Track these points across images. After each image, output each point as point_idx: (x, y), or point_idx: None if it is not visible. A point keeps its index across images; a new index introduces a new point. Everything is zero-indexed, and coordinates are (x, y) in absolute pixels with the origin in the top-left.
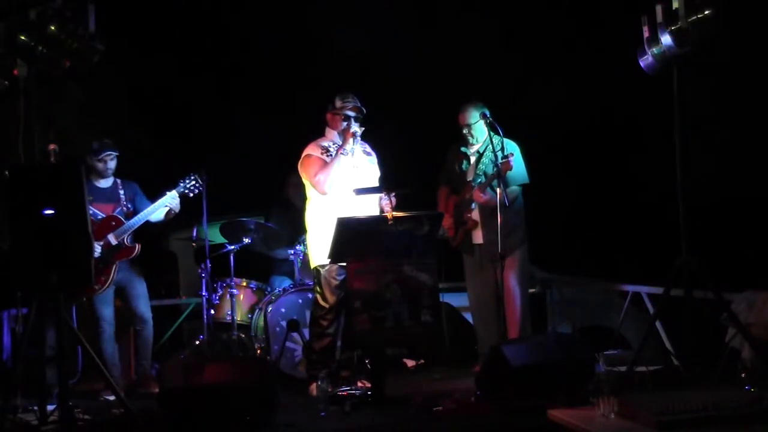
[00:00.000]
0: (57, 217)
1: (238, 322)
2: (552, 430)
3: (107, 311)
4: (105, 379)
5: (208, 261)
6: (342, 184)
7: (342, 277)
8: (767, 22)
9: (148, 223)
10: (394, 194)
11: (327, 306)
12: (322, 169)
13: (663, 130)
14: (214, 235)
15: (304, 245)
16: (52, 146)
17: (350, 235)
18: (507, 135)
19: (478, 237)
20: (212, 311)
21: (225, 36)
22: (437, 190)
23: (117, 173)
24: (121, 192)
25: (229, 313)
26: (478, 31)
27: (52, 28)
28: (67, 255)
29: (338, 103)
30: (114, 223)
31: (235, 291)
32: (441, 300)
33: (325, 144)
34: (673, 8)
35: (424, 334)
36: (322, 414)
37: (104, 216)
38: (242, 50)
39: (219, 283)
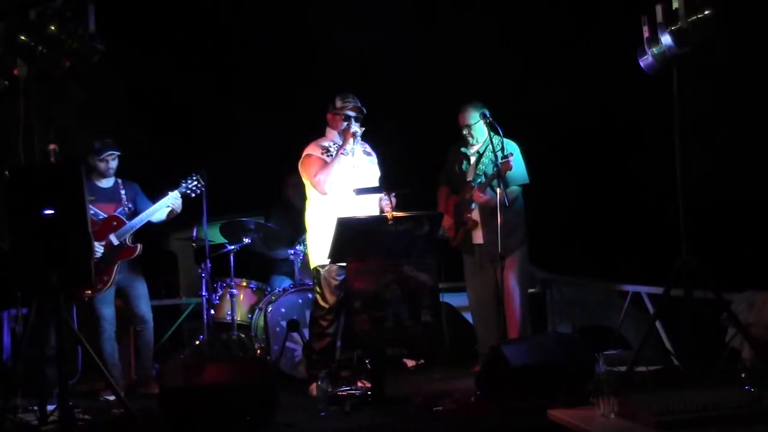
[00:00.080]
0: (57, 217)
1: (238, 322)
2: (552, 430)
3: (108, 311)
4: (105, 379)
5: (208, 261)
6: (342, 184)
7: (342, 277)
8: (767, 22)
9: (149, 223)
10: (394, 194)
11: (327, 306)
12: (322, 169)
13: (663, 130)
14: (214, 235)
15: (304, 245)
16: (52, 146)
17: (350, 235)
18: (507, 135)
19: (478, 237)
20: (212, 311)
21: (225, 36)
22: (437, 190)
23: (117, 173)
24: (123, 192)
25: (229, 313)
26: (478, 31)
27: (52, 28)
28: (67, 255)
29: (338, 103)
30: (116, 223)
31: (235, 291)
32: (441, 300)
33: (326, 144)
34: (673, 8)
35: (424, 334)
36: (322, 414)
37: (106, 216)
38: (242, 50)
39: (219, 283)
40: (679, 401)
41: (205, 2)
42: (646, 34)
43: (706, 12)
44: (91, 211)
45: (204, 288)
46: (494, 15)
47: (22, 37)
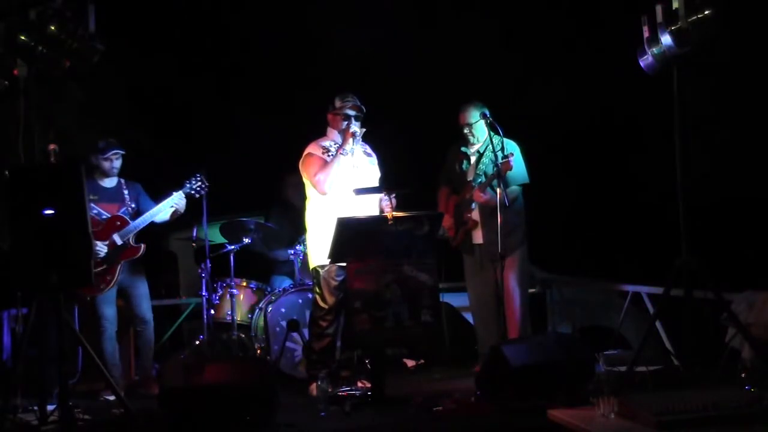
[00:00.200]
0: (57, 217)
1: (238, 322)
2: (552, 430)
3: (109, 311)
4: (105, 379)
5: (208, 261)
6: (341, 184)
7: (341, 277)
8: (767, 22)
9: (152, 223)
10: (394, 195)
11: (326, 307)
12: (321, 169)
13: (663, 130)
14: (214, 235)
15: (304, 245)
16: (52, 146)
17: (350, 235)
18: (507, 135)
19: (478, 237)
20: (212, 311)
21: (225, 36)
22: (437, 190)
23: (118, 173)
24: (126, 192)
25: (229, 313)
26: (478, 31)
27: (52, 28)
28: (67, 255)
29: (338, 103)
30: (119, 223)
31: (235, 291)
32: (441, 300)
33: (326, 144)
34: (673, 8)
35: (424, 334)
36: (322, 414)
37: (109, 216)
38: (242, 50)
39: (219, 283)
40: (679, 401)
41: (205, 2)
42: (646, 34)
43: (706, 12)
44: (94, 211)
45: (204, 288)
46: (494, 15)
47: (22, 37)
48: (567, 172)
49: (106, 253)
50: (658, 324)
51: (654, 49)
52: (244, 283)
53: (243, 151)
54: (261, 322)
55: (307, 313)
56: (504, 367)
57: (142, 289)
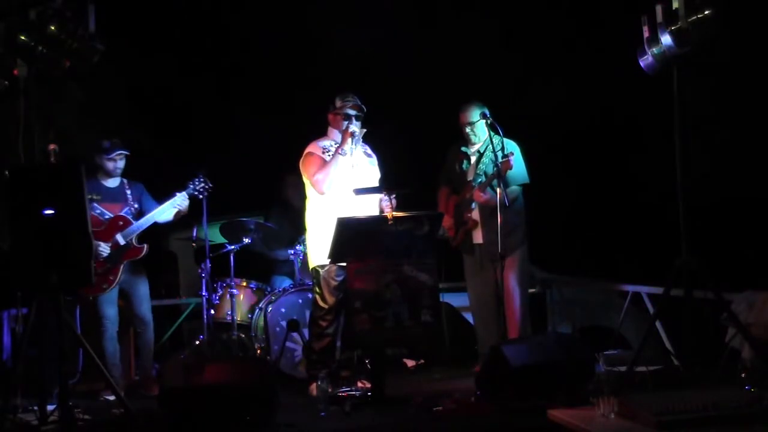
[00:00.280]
0: (57, 217)
1: (238, 322)
2: (552, 430)
3: (111, 311)
4: (105, 379)
5: (208, 261)
6: (340, 183)
7: (341, 277)
8: (767, 22)
9: (155, 223)
10: (394, 196)
11: (326, 307)
12: (320, 169)
13: (663, 130)
14: (214, 235)
15: (304, 245)
16: (52, 146)
17: (350, 235)
18: (507, 135)
19: (478, 237)
20: (212, 311)
21: (225, 36)
22: (437, 190)
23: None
24: (128, 192)
25: (229, 313)
26: (478, 31)
27: (52, 28)
28: (67, 255)
29: (339, 103)
30: (122, 223)
31: (235, 291)
32: (441, 300)
33: (327, 143)
34: (673, 8)
35: (424, 334)
36: (322, 414)
37: (112, 216)
38: (242, 50)
39: (219, 283)
40: (679, 401)
41: (205, 2)
42: (646, 34)
43: (706, 12)
44: (97, 211)
45: (204, 288)
46: (494, 15)
47: (22, 37)
48: (567, 172)
49: (109, 253)
50: (658, 324)
51: (654, 49)
52: (244, 283)
53: (243, 151)
54: (261, 322)
55: (307, 313)
56: (504, 367)
57: (143, 290)
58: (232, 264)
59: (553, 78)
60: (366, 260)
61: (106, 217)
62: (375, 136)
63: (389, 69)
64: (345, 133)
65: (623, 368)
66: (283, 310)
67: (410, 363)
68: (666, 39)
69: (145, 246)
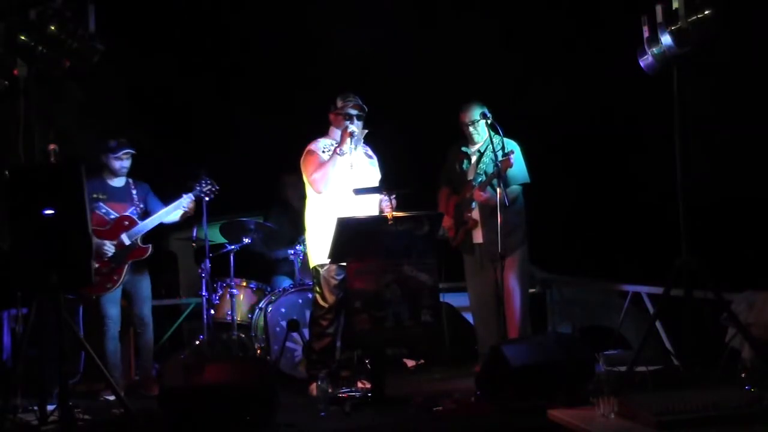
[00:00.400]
0: (57, 217)
1: (238, 322)
2: (552, 430)
3: (114, 310)
4: (105, 379)
5: (208, 261)
6: (339, 183)
7: (341, 276)
8: (767, 22)
9: (160, 224)
10: (394, 196)
11: (326, 306)
12: (318, 168)
13: (663, 130)
14: (214, 235)
15: (304, 245)
16: (52, 146)
17: (350, 235)
18: (507, 135)
19: (478, 236)
20: (212, 311)
21: (225, 36)
22: (438, 190)
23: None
24: (134, 192)
25: (229, 313)
26: (478, 31)
27: (52, 28)
28: (67, 255)
29: (340, 103)
30: (127, 223)
31: (235, 291)
32: (441, 300)
33: (328, 142)
34: (673, 8)
35: (424, 334)
36: (322, 414)
37: (118, 215)
38: (242, 50)
39: (219, 283)
40: (679, 401)
41: (205, 2)
42: (646, 34)
43: (706, 12)
44: (103, 210)
45: (204, 288)
46: (494, 15)
47: (22, 37)
48: (567, 172)
49: (114, 252)
50: (658, 324)
51: (654, 49)
52: (244, 283)
53: (243, 151)
54: (261, 322)
55: (307, 313)
56: (504, 367)
57: (145, 291)
58: (232, 264)
59: (553, 78)
60: (366, 260)
61: (112, 216)
62: (375, 136)
63: (389, 69)
64: (344, 133)
65: (623, 368)
66: (283, 310)
67: (410, 363)
68: (666, 39)
69: (150, 246)
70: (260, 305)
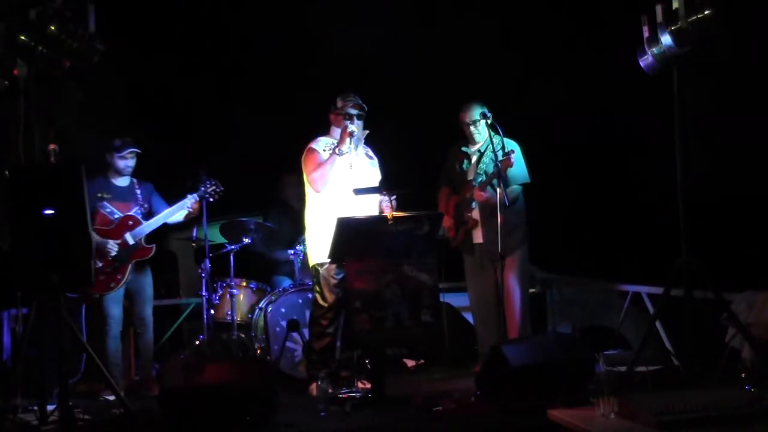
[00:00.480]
0: (57, 217)
1: (238, 322)
2: (552, 430)
3: (116, 310)
4: (105, 379)
5: (208, 261)
6: (338, 183)
7: (341, 275)
8: (767, 22)
9: (163, 224)
10: (394, 197)
11: (326, 305)
12: (318, 168)
13: (663, 130)
14: (214, 235)
15: (304, 245)
16: (52, 146)
17: (350, 235)
18: (507, 135)
19: (478, 236)
20: (212, 311)
21: (225, 36)
22: (438, 190)
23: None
24: (138, 191)
25: (229, 313)
26: (478, 31)
27: (52, 28)
28: (67, 255)
29: (340, 103)
30: (131, 223)
31: (235, 291)
32: (441, 300)
33: (329, 141)
34: (673, 8)
35: (424, 334)
36: (322, 414)
37: (122, 215)
38: (242, 50)
39: (219, 283)
40: (679, 401)
41: (205, 2)
42: (646, 34)
43: (706, 12)
44: (107, 209)
45: (204, 288)
46: (494, 15)
47: (22, 37)
48: (567, 172)
49: (118, 252)
50: (658, 324)
51: (654, 49)
52: (244, 283)
53: (243, 151)
54: (261, 322)
55: (307, 313)
56: (504, 367)
57: (147, 291)
58: (232, 264)
59: (553, 78)
60: (366, 260)
61: (116, 216)
62: (375, 136)
63: (389, 69)
64: (343, 133)
65: (623, 368)
66: (283, 310)
67: (410, 363)
68: (666, 39)
69: (153, 246)
70: (260, 305)
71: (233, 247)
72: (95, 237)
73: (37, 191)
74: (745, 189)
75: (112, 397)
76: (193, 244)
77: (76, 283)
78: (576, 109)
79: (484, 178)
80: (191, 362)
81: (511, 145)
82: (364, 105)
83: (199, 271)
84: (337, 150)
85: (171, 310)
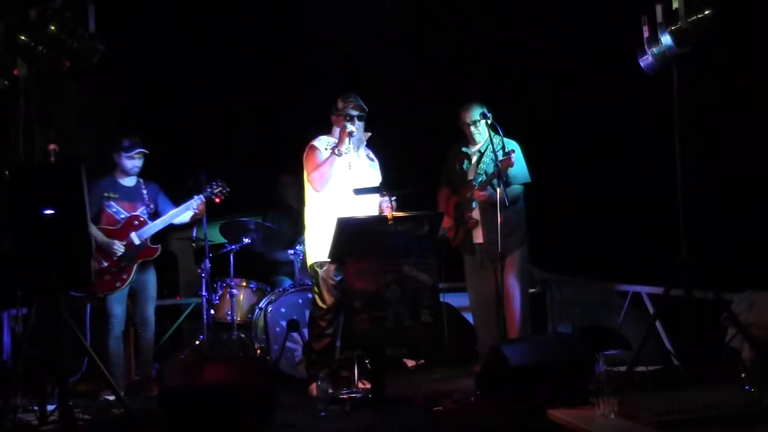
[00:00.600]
0: (57, 217)
1: (238, 322)
2: (552, 430)
3: (119, 310)
4: (105, 379)
5: (207, 261)
6: (337, 183)
7: (339, 277)
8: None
9: (168, 224)
10: (394, 198)
11: (325, 307)
12: (317, 167)
13: (663, 130)
14: (214, 235)
15: (304, 245)
16: (52, 146)
17: (350, 235)
18: (507, 135)
19: (478, 236)
20: (212, 311)
21: (225, 36)
22: (438, 190)
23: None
24: (144, 191)
25: (229, 313)
26: (478, 31)
27: (52, 28)
28: (67, 255)
29: (340, 104)
30: (137, 223)
31: (235, 291)
32: (441, 300)
33: (331, 140)
34: (673, 8)
35: (424, 334)
36: (322, 414)
37: (128, 215)
38: (243, 50)
39: (219, 283)
40: (679, 401)
41: (204, 2)
42: (646, 34)
43: (706, 12)
44: (113, 209)
45: (204, 288)
46: (494, 15)
47: (22, 37)
48: (567, 172)
49: (123, 251)
50: (658, 324)
51: (654, 49)
52: (244, 283)
53: (243, 151)
54: (261, 322)
55: (307, 313)
56: (504, 367)
57: (151, 291)
58: (232, 264)
59: (553, 78)
60: (366, 260)
61: (122, 216)
62: (375, 136)
63: (389, 69)
64: (342, 133)
65: (623, 368)
66: (283, 310)
67: (410, 363)
68: (666, 39)
69: (159, 246)
70: (260, 305)
71: (233, 247)
72: (101, 237)
73: (37, 191)
74: (745, 189)
75: (112, 397)
76: (193, 244)
77: (76, 283)
78: (576, 110)
79: (484, 178)
80: (191, 362)
81: (511, 145)
82: (365, 106)
83: (199, 271)
84: (336, 150)
85: (171, 310)
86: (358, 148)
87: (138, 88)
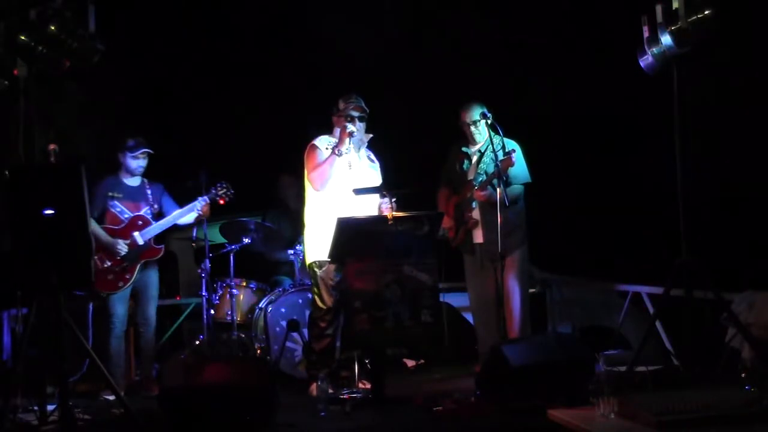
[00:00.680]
0: (57, 217)
1: (238, 322)
2: (552, 430)
3: (121, 309)
4: (105, 379)
5: (207, 261)
6: (337, 183)
7: (339, 278)
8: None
9: (174, 225)
10: (394, 199)
11: (324, 307)
12: (317, 167)
13: (663, 130)
14: (214, 235)
15: (304, 244)
16: (52, 146)
17: (350, 235)
18: (507, 135)
19: (478, 236)
20: (212, 311)
21: (225, 36)
22: (438, 190)
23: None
24: (149, 191)
25: (229, 313)
26: (478, 31)
27: (52, 28)
28: (67, 255)
29: (341, 105)
30: (141, 223)
31: (235, 291)
32: (441, 300)
33: (332, 140)
34: (673, 8)
35: (424, 334)
36: (322, 414)
37: (132, 215)
38: (243, 50)
39: (219, 283)
40: (679, 401)
41: (204, 2)
42: (646, 34)
43: (706, 12)
44: (117, 209)
45: (204, 288)
46: (494, 15)
47: (22, 37)
48: (567, 172)
49: (127, 251)
50: (658, 324)
51: (654, 49)
52: (244, 283)
53: (243, 151)
54: (261, 322)
55: (307, 313)
56: (504, 367)
57: (153, 290)
58: (232, 264)
59: (553, 78)
60: (366, 260)
61: (126, 216)
62: (375, 137)
63: (389, 69)
64: (342, 133)
65: (623, 368)
66: (283, 310)
67: (410, 363)
68: (666, 39)
69: (163, 247)
70: (260, 305)
71: (233, 247)
72: (105, 236)
73: (37, 191)
74: (745, 189)
75: (112, 397)
76: (193, 244)
77: (75, 283)
78: (576, 110)
79: (484, 178)
80: (191, 362)
81: (512, 145)
82: (365, 107)
83: (199, 271)
84: (336, 150)
85: (171, 310)
86: (359, 148)
87: (138, 88)
